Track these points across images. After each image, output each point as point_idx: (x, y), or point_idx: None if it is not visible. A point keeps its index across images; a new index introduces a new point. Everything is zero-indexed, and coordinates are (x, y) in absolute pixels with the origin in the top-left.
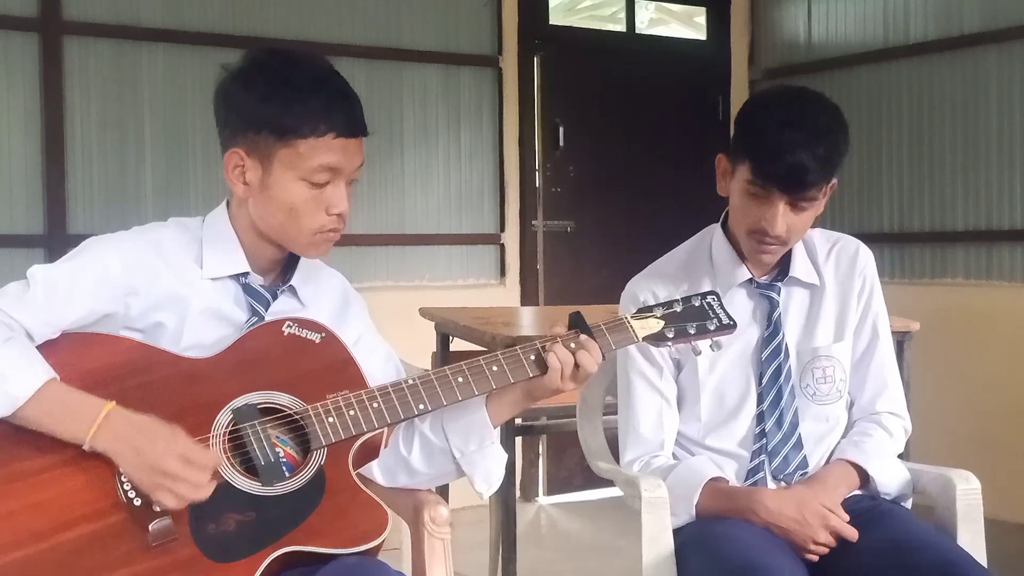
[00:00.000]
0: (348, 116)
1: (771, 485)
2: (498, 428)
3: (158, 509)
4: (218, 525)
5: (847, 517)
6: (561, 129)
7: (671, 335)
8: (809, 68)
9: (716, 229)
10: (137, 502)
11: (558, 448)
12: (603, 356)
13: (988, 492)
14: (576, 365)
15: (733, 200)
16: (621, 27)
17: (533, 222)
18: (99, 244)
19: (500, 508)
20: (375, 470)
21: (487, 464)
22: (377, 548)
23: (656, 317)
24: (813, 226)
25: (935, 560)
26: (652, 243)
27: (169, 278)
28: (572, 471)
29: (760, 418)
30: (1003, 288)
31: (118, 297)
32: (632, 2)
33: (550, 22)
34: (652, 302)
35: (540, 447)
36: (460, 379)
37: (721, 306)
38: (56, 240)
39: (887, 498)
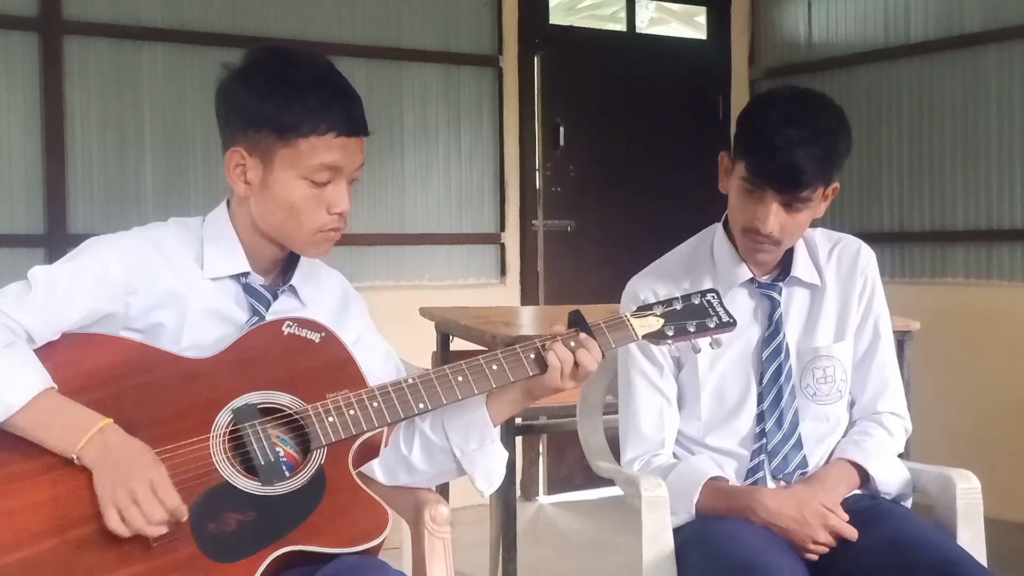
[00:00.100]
0: (348, 115)
1: (771, 484)
2: (498, 427)
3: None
4: (218, 525)
5: (847, 517)
6: (561, 129)
7: (671, 333)
8: (809, 68)
9: (717, 228)
10: None
11: (558, 447)
12: (603, 354)
13: (988, 491)
14: (576, 364)
15: (730, 198)
16: (621, 27)
17: (533, 222)
18: (99, 244)
19: (500, 507)
20: (376, 469)
21: (487, 463)
22: (377, 547)
23: (656, 315)
24: (814, 226)
25: (935, 559)
26: (652, 243)
27: (169, 277)
28: (572, 470)
29: (760, 417)
30: (1003, 288)
31: (118, 297)
32: (632, 2)
33: (550, 21)
34: (653, 301)
35: (540, 446)
36: (460, 378)
37: (721, 304)
38: (56, 240)
39: (887, 497)
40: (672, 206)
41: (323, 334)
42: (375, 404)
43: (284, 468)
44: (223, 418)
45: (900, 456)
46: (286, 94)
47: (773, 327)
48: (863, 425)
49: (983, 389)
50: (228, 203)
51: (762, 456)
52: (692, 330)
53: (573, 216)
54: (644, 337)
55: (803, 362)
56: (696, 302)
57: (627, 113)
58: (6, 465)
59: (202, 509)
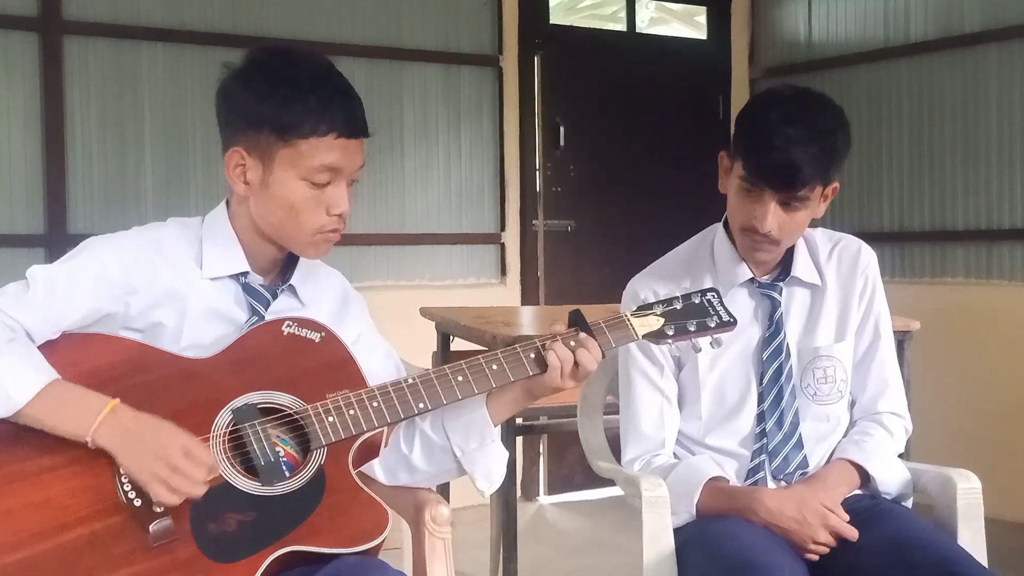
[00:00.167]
0: (348, 115)
1: (771, 485)
2: (499, 426)
3: (159, 509)
4: (219, 525)
5: (847, 517)
6: (561, 128)
7: (671, 332)
8: (809, 67)
9: (718, 228)
10: (137, 502)
11: (559, 447)
12: (603, 354)
13: (988, 491)
14: (576, 363)
15: (729, 197)
16: (621, 26)
17: (533, 221)
18: (98, 244)
19: (501, 507)
20: (376, 469)
21: (488, 462)
22: (378, 547)
23: (656, 315)
24: (814, 226)
25: (935, 559)
26: (652, 242)
27: (169, 276)
28: (573, 470)
29: (761, 417)
30: (1003, 287)
31: (118, 296)
32: (632, 1)
33: (550, 21)
34: (653, 300)
35: (541, 446)
36: (460, 378)
37: (721, 303)
38: (56, 240)
39: (887, 497)
40: (672, 206)
41: (323, 334)
42: (375, 404)
43: (284, 468)
44: (223, 418)
45: (900, 456)
46: (286, 94)
47: (774, 327)
48: (863, 425)
49: (983, 389)
50: (227, 203)
51: (762, 456)
52: (692, 329)
53: (573, 216)
54: (644, 336)
55: (803, 362)
56: (696, 301)
57: (627, 113)
58: (6, 465)
59: (202, 509)
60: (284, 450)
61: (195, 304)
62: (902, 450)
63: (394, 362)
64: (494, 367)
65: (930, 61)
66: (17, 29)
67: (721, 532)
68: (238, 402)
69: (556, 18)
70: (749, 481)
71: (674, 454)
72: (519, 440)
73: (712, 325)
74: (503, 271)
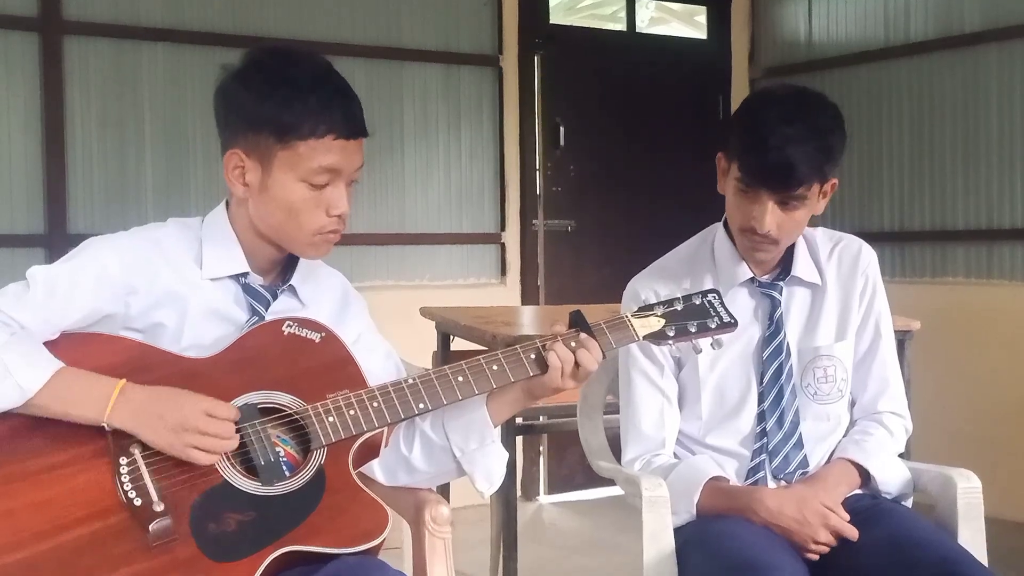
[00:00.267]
0: (347, 116)
1: (771, 484)
2: (499, 427)
3: (158, 509)
4: (218, 525)
5: (847, 516)
6: (561, 128)
7: (672, 333)
8: (809, 67)
9: (718, 228)
10: (137, 502)
11: (559, 447)
12: (603, 355)
13: (989, 491)
14: (576, 364)
15: (727, 198)
16: (622, 26)
17: (534, 221)
18: (98, 244)
19: (501, 507)
20: (376, 469)
21: (488, 463)
22: (378, 547)
23: (657, 315)
24: (814, 225)
25: (935, 558)
26: (652, 242)
27: (169, 276)
28: (573, 470)
29: (761, 417)
30: (1004, 287)
31: (118, 296)
32: (632, 1)
33: (550, 21)
34: (654, 300)
35: (541, 446)
36: (460, 378)
37: (722, 304)
38: (56, 240)
39: (888, 497)
40: (672, 206)
41: (323, 334)
42: (375, 404)
43: (284, 468)
44: None
45: (901, 456)
46: (285, 94)
47: (774, 326)
48: (864, 425)
49: (983, 389)
50: (227, 203)
51: (763, 456)
52: (693, 330)
53: (573, 216)
54: (645, 337)
55: (804, 361)
56: (697, 302)
57: (627, 113)
58: (6, 465)
59: (202, 509)
60: (284, 450)
61: (195, 304)
62: (902, 450)
63: (394, 362)
64: (494, 367)
65: (930, 61)
66: (17, 29)
67: (721, 532)
68: (238, 402)
69: (556, 18)
70: (749, 481)
71: (674, 454)
72: (519, 440)
73: (713, 326)
74: (503, 271)
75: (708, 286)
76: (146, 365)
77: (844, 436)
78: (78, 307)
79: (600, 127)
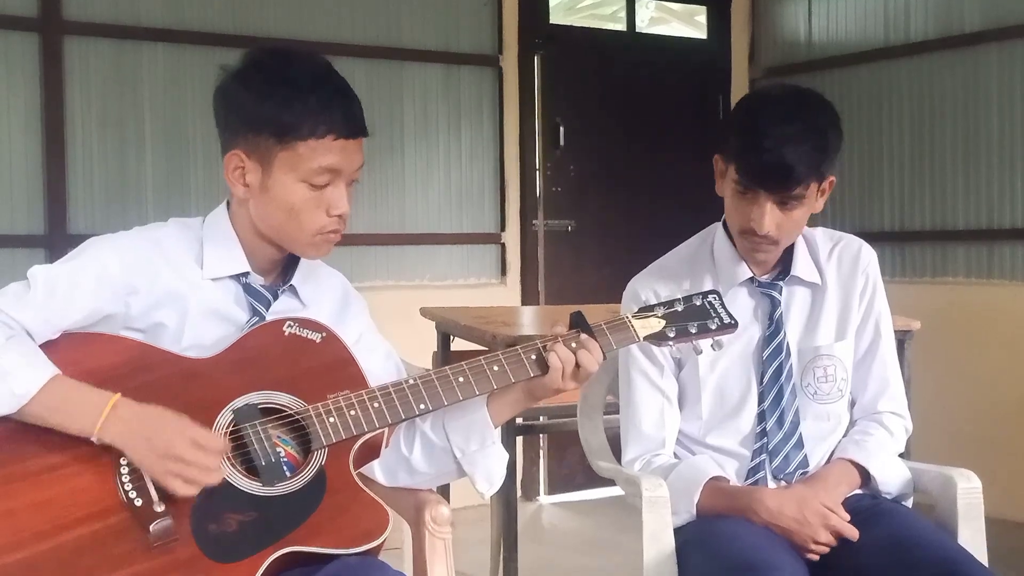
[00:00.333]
0: (347, 116)
1: (771, 484)
2: (499, 428)
3: (159, 509)
4: (219, 525)
5: (848, 516)
6: (561, 128)
7: (672, 334)
8: (810, 67)
9: (718, 228)
10: (138, 502)
11: (559, 447)
12: (604, 355)
13: (989, 491)
14: (577, 364)
15: (726, 200)
16: (622, 26)
17: (534, 221)
18: (98, 244)
19: (501, 507)
20: (376, 469)
21: (488, 464)
22: (378, 548)
23: (657, 316)
24: (814, 225)
25: (935, 558)
26: (653, 242)
27: (169, 276)
28: (573, 470)
29: (761, 417)
30: (1004, 287)
31: (119, 296)
32: (632, 1)
33: (550, 21)
34: (654, 301)
35: (541, 446)
36: (461, 379)
37: (722, 305)
38: (56, 240)
39: (888, 497)
40: (672, 206)
41: (324, 334)
42: (376, 405)
43: (285, 468)
44: (224, 418)
45: (901, 456)
46: (285, 94)
47: (774, 326)
48: (864, 425)
49: (984, 388)
50: (228, 204)
51: (763, 455)
52: (693, 331)
53: (573, 216)
54: (645, 338)
55: (804, 361)
56: (698, 303)
57: (627, 113)
58: (6, 465)
59: (203, 509)
60: (285, 450)
61: (196, 304)
62: (902, 450)
63: (395, 362)
64: (495, 368)
65: (930, 61)
66: (17, 29)
67: (721, 532)
68: (239, 402)
69: (556, 18)
70: (749, 480)
71: (674, 454)
72: (519, 440)
73: (713, 327)
74: (503, 271)
75: (708, 286)
76: (147, 365)
77: (844, 436)
78: (79, 307)
79: (600, 127)
